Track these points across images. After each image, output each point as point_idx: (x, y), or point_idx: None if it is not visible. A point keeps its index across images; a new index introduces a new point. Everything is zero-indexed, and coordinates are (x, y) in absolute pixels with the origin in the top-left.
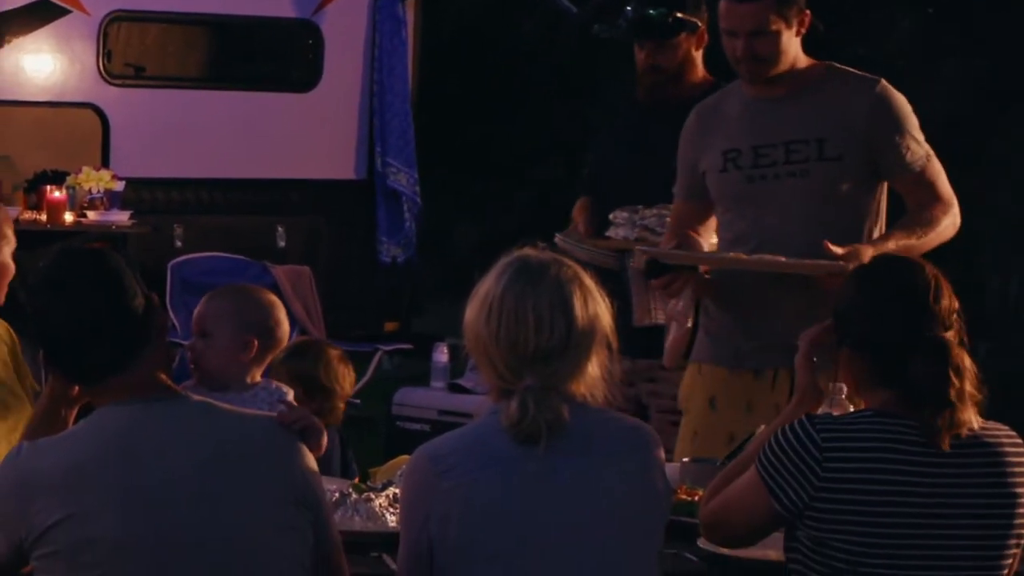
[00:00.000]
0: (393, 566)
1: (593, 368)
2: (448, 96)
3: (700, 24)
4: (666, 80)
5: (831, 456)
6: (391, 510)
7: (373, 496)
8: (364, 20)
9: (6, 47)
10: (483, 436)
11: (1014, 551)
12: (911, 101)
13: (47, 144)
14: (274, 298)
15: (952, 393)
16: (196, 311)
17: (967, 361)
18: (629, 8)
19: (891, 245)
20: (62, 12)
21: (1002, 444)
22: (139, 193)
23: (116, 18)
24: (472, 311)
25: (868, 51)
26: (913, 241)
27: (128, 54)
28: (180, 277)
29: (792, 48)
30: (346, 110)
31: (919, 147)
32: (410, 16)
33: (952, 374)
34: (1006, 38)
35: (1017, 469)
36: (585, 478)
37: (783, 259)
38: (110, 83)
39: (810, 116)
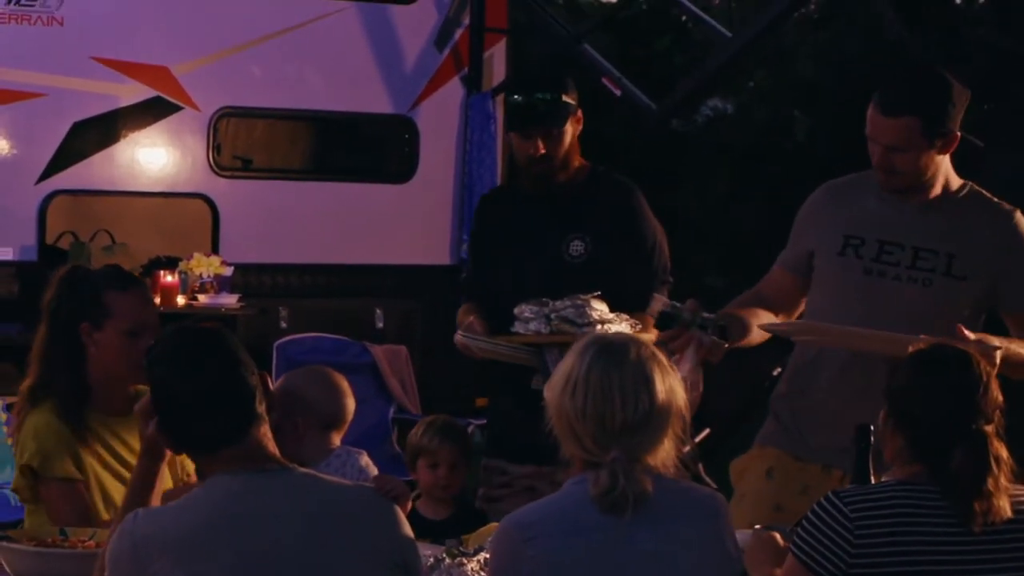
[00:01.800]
0: None
1: (668, 441)
2: None
3: (578, 107)
4: (555, 168)
5: (861, 524)
6: (482, 575)
7: (465, 561)
8: (456, 115)
9: (122, 141)
10: (567, 505)
11: None
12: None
13: (161, 232)
14: (340, 381)
15: (990, 483)
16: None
17: (1005, 453)
18: (515, 96)
19: (1015, 348)
20: (175, 108)
21: None
22: (247, 277)
23: (225, 114)
24: (556, 389)
25: None
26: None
27: (236, 147)
28: (285, 356)
29: (932, 166)
30: (439, 199)
31: None
32: (499, 112)
33: (992, 465)
34: None
35: None
36: (665, 546)
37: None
38: (219, 175)
39: (945, 229)
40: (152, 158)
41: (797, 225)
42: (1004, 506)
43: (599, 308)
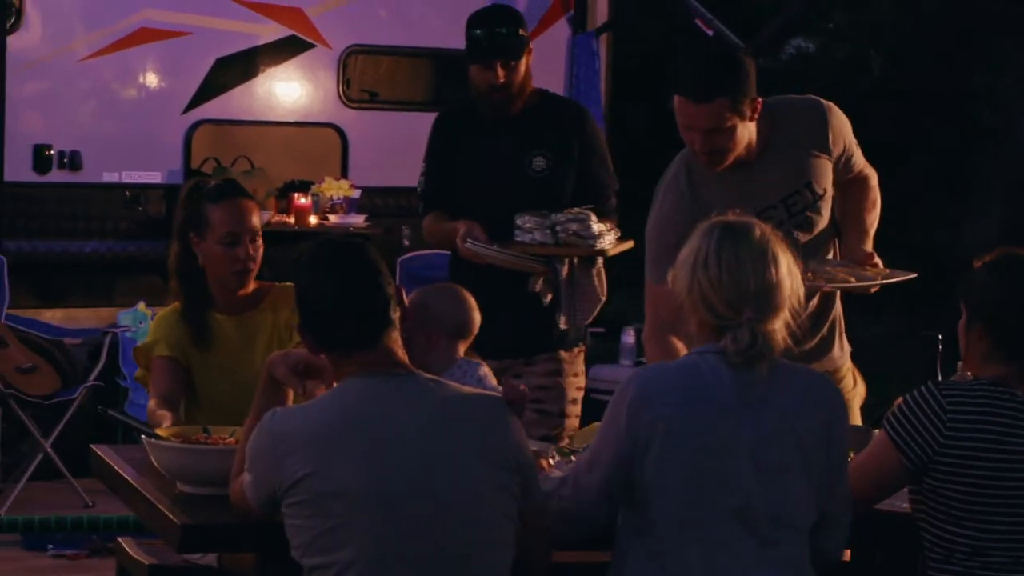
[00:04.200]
0: None
1: (784, 313)
2: (635, 116)
3: (530, 40)
4: (513, 95)
5: (954, 416)
6: None
7: (573, 459)
8: (564, 52)
9: (260, 75)
10: (696, 373)
11: None
12: None
13: (295, 158)
14: (468, 298)
15: None
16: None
17: None
18: (477, 31)
19: (871, 233)
20: (308, 46)
21: None
22: (372, 200)
23: (353, 51)
24: (685, 267)
25: (991, 79)
26: (875, 217)
27: (363, 81)
28: (407, 271)
29: (748, 134)
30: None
31: (856, 146)
32: (603, 50)
33: None
34: None
35: None
36: (781, 425)
37: (860, 281)
38: (348, 106)
39: (788, 166)
40: (287, 91)
41: (658, 237)
42: None
43: (596, 221)
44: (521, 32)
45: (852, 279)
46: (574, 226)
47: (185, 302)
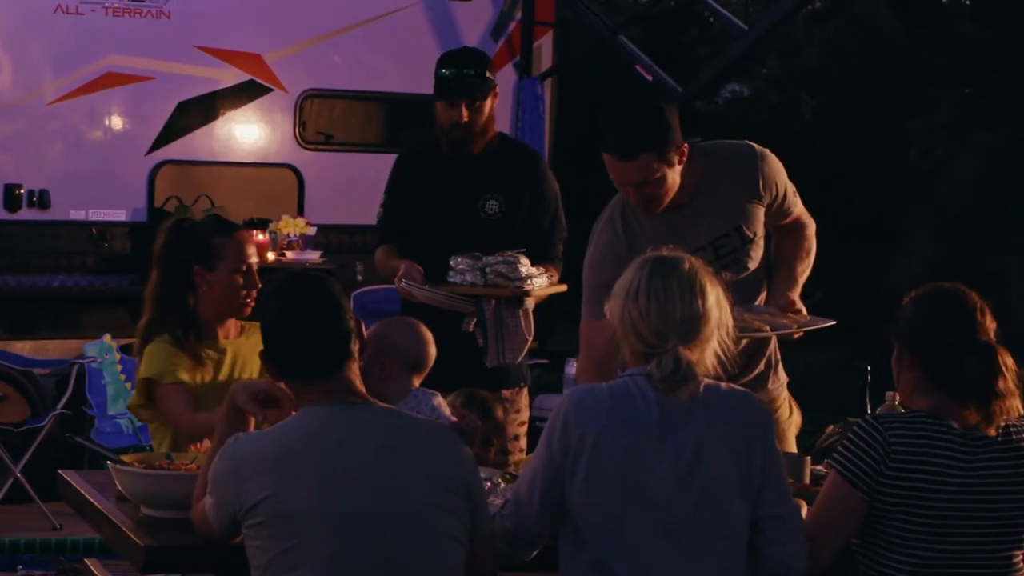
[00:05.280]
0: None
1: (712, 344)
2: (577, 157)
3: (495, 84)
4: (475, 135)
5: (897, 449)
6: None
7: None
8: (510, 96)
9: (221, 118)
10: (624, 394)
11: None
12: (953, 165)
13: (253, 197)
14: (425, 332)
15: (1002, 384)
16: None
17: (1010, 361)
18: (445, 70)
19: (800, 286)
20: (266, 90)
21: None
22: (328, 236)
23: (309, 95)
24: (617, 299)
25: (919, 123)
26: (807, 270)
27: (319, 124)
28: (361, 305)
29: (677, 178)
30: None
31: (791, 190)
32: (547, 93)
33: (1003, 368)
34: None
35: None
36: (704, 441)
37: (775, 330)
38: (304, 147)
39: (718, 210)
40: (246, 133)
41: (594, 275)
42: (1017, 405)
43: (526, 263)
44: (488, 75)
45: (767, 327)
46: (503, 268)
47: (179, 331)
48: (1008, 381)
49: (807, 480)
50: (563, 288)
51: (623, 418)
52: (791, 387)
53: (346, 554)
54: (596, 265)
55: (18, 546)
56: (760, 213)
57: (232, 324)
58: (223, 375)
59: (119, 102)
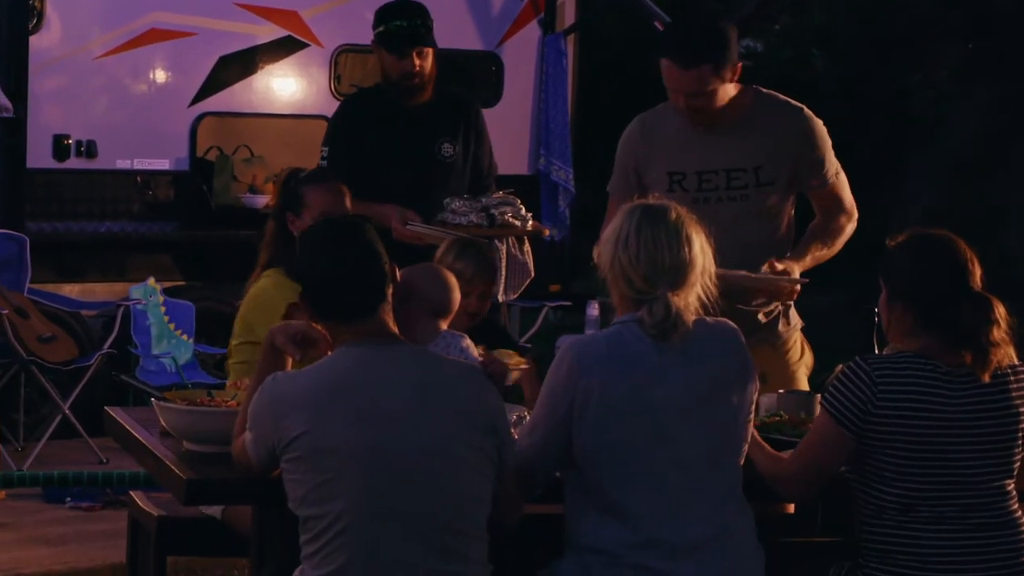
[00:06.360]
0: None
1: (696, 288)
2: (599, 109)
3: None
4: (425, 83)
5: (884, 387)
6: None
7: None
8: (534, 51)
9: (259, 72)
10: (620, 342)
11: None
12: (954, 117)
13: (290, 146)
14: (449, 278)
15: (995, 332)
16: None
17: (1002, 310)
18: (397, 22)
19: (808, 259)
20: (302, 45)
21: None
22: None
23: (343, 50)
24: (607, 245)
25: (922, 76)
26: (824, 252)
27: (353, 77)
28: None
29: (727, 93)
30: (519, 122)
31: (832, 164)
32: (570, 49)
33: (996, 316)
34: None
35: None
36: (697, 374)
37: (752, 275)
38: (338, 99)
39: (747, 146)
40: (283, 86)
41: (621, 157)
42: (1010, 353)
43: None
44: (430, 23)
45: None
46: (508, 209)
47: (288, 267)
48: (1001, 330)
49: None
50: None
51: (622, 363)
52: (806, 329)
53: (379, 486)
54: (622, 149)
55: (67, 479)
56: (787, 167)
57: None
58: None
59: (163, 57)
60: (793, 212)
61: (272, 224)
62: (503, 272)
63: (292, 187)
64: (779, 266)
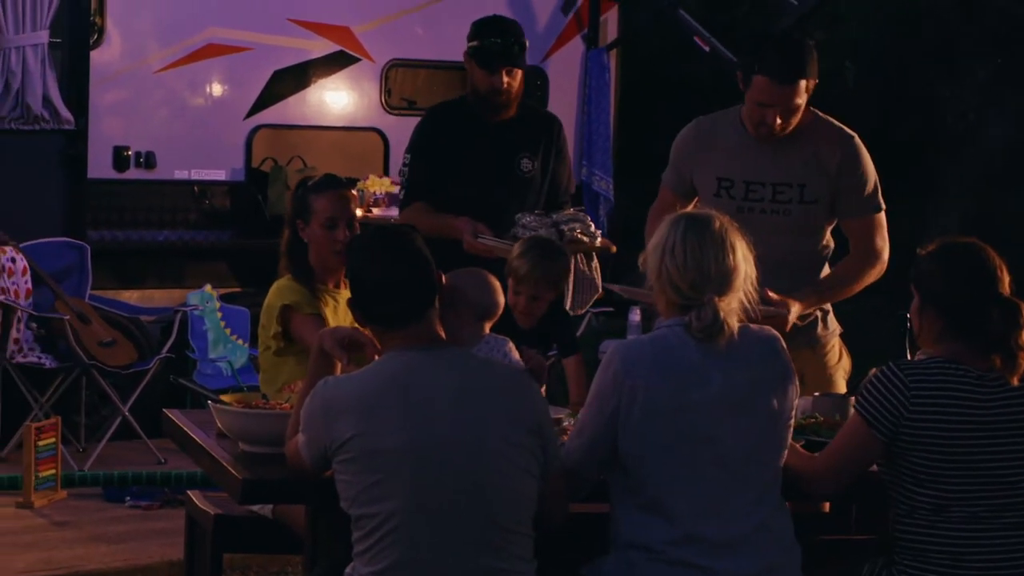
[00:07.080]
0: None
1: (739, 293)
2: (640, 123)
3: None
4: (512, 100)
5: (917, 393)
6: None
7: None
8: (578, 66)
9: (312, 86)
10: (665, 346)
11: None
12: (984, 128)
13: (343, 158)
14: (494, 282)
15: None
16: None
17: None
18: (496, 39)
19: (814, 299)
20: (354, 60)
21: None
22: None
23: (394, 64)
24: (654, 254)
25: (953, 89)
26: (834, 297)
27: (403, 91)
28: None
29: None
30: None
31: (871, 198)
32: (613, 63)
33: None
34: None
35: None
36: (738, 380)
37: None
38: (389, 112)
39: (795, 163)
40: (336, 99)
41: (676, 152)
42: None
43: (591, 220)
44: (525, 43)
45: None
46: (578, 226)
47: (299, 274)
48: None
49: None
50: (612, 248)
51: (667, 365)
52: (845, 336)
53: (429, 486)
54: (677, 147)
55: (126, 479)
56: (829, 190)
57: (342, 275)
58: (338, 320)
59: (219, 71)
60: (830, 234)
61: (287, 232)
62: (570, 286)
63: (300, 195)
64: (775, 296)
